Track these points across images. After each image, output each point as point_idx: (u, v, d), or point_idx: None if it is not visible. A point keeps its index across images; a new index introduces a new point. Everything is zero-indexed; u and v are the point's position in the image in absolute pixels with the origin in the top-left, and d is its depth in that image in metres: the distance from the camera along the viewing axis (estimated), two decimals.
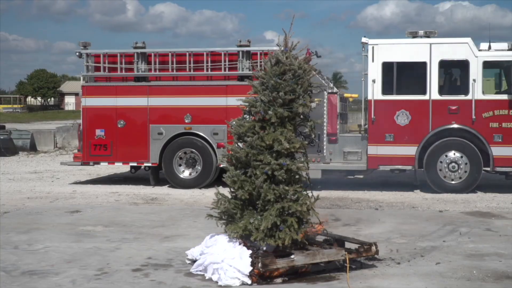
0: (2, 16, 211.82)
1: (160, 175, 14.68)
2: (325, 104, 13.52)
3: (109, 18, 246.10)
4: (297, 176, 6.81)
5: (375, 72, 13.29)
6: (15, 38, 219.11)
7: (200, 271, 6.84)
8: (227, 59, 14.12)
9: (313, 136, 7.13)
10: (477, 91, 12.97)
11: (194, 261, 7.12)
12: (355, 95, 16.53)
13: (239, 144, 6.99)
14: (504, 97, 13.05)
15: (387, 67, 13.28)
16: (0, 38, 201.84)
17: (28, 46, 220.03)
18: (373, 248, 7.07)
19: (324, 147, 13.59)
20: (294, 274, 6.70)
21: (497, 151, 12.93)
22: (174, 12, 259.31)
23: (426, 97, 13.15)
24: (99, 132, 14.43)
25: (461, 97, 13.11)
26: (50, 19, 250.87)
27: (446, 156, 13.13)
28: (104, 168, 17.53)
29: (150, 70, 14.46)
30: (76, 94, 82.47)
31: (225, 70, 14.15)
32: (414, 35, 13.36)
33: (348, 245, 7.22)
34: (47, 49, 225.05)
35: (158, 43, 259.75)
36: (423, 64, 13.17)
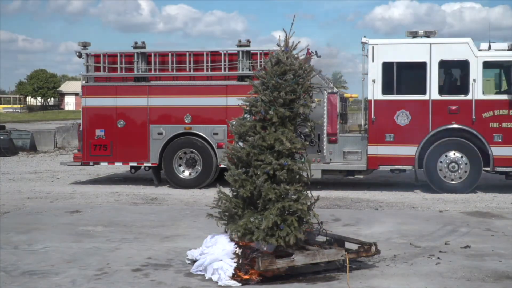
0: (12, 16, 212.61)
1: (160, 175, 14.68)
2: (325, 104, 13.52)
3: (120, 18, 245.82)
4: (297, 176, 6.82)
5: (375, 72, 13.30)
6: (24, 38, 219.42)
7: (200, 271, 6.84)
8: (227, 59, 14.12)
9: (313, 136, 7.13)
10: (477, 91, 12.97)
11: (194, 261, 7.12)
12: (355, 95, 16.54)
13: (240, 143, 6.99)
14: (504, 97, 13.05)
15: (387, 67, 13.28)
16: (6, 38, 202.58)
17: (35, 46, 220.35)
18: (373, 248, 7.07)
19: (324, 147, 13.59)
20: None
21: (497, 151, 12.93)
22: (185, 13, 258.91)
23: (426, 97, 13.15)
24: (99, 132, 14.43)
25: (461, 97, 13.11)
26: (61, 20, 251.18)
27: (446, 156, 13.13)
28: (104, 168, 17.54)
29: (150, 70, 14.46)
30: (76, 94, 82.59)
31: (225, 70, 14.14)
32: (414, 35, 13.37)
33: (348, 245, 7.21)
34: (54, 50, 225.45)
35: (167, 43, 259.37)
36: (423, 64, 13.18)
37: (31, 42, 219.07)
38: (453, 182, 13.12)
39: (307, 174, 6.90)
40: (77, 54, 14.72)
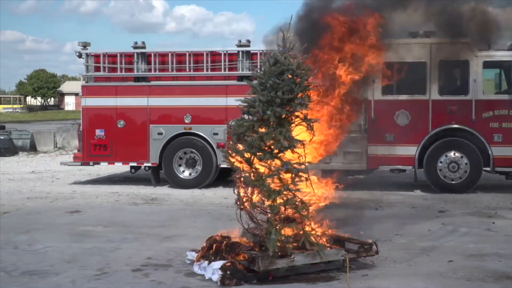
0: (22, 17, 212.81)
1: (160, 175, 14.67)
2: None
3: (128, 19, 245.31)
4: (297, 176, 6.83)
5: None
6: (33, 38, 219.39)
7: (200, 270, 6.85)
8: (227, 59, 14.12)
9: (312, 136, 7.13)
10: (477, 91, 12.96)
11: (194, 261, 7.13)
12: None
13: (239, 144, 6.99)
14: (504, 97, 13.04)
15: (387, 67, 13.23)
16: (16, 38, 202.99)
17: (42, 47, 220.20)
18: (373, 248, 7.08)
19: None
20: None
21: (497, 151, 12.92)
22: (194, 14, 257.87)
23: (426, 97, 13.15)
24: (99, 132, 14.42)
25: (461, 97, 13.10)
26: (72, 20, 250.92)
27: (446, 156, 13.13)
28: (104, 168, 17.52)
29: (150, 70, 14.46)
30: (76, 94, 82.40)
31: (225, 70, 14.14)
32: (414, 35, 13.35)
33: (348, 245, 7.22)
34: (59, 50, 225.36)
35: (175, 44, 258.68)
36: (423, 64, 13.17)
37: (38, 42, 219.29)
38: (453, 182, 13.11)
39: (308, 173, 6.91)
40: (77, 54, 14.71)
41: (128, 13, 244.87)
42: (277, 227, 6.57)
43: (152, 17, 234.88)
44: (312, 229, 6.85)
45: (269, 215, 6.66)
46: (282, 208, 6.64)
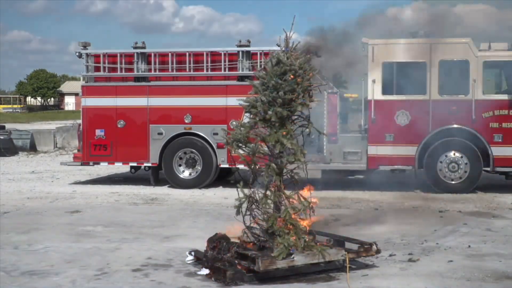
0: (28, 17, 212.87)
1: (160, 175, 14.67)
2: (325, 104, 13.51)
3: (132, 19, 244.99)
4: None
5: (375, 72, 13.29)
6: (41, 39, 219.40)
7: (201, 270, 6.85)
8: (227, 59, 14.11)
9: (313, 136, 7.14)
10: (477, 91, 12.97)
11: (194, 261, 7.14)
12: (355, 95, 16.52)
13: (239, 150, 6.97)
14: (504, 97, 13.04)
15: (387, 67, 13.28)
16: (24, 38, 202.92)
17: (47, 47, 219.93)
18: (373, 248, 7.08)
19: (324, 147, 13.59)
20: None
21: (497, 151, 12.92)
22: (202, 14, 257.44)
23: (426, 97, 13.15)
24: (99, 132, 14.42)
25: (461, 97, 13.11)
26: (79, 20, 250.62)
27: (446, 156, 13.13)
28: (104, 168, 17.52)
29: (150, 70, 14.45)
30: (76, 94, 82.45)
31: (225, 70, 14.13)
32: (414, 35, 13.36)
33: (348, 245, 7.22)
34: (63, 50, 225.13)
35: (182, 44, 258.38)
36: (423, 64, 13.18)
37: (44, 43, 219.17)
38: (453, 182, 13.11)
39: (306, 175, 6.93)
40: (77, 54, 14.71)
41: (137, 14, 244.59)
42: (291, 238, 6.57)
43: (161, 18, 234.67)
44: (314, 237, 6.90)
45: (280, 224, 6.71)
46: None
